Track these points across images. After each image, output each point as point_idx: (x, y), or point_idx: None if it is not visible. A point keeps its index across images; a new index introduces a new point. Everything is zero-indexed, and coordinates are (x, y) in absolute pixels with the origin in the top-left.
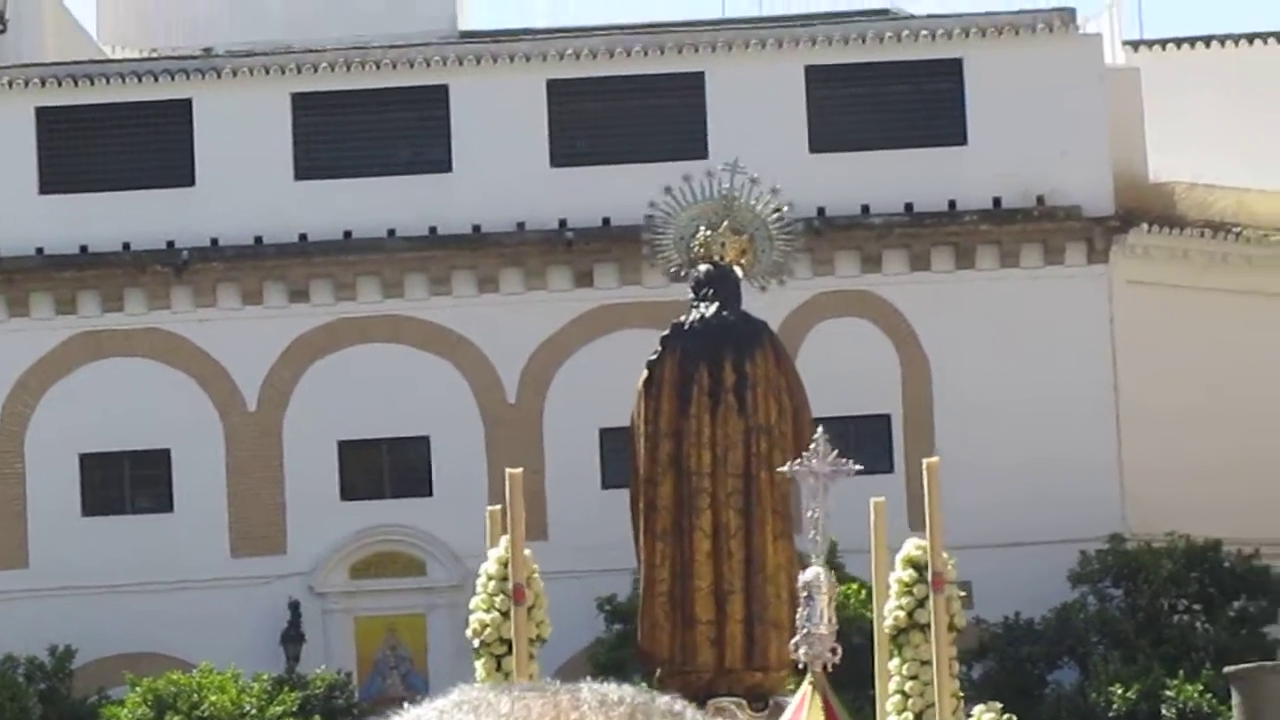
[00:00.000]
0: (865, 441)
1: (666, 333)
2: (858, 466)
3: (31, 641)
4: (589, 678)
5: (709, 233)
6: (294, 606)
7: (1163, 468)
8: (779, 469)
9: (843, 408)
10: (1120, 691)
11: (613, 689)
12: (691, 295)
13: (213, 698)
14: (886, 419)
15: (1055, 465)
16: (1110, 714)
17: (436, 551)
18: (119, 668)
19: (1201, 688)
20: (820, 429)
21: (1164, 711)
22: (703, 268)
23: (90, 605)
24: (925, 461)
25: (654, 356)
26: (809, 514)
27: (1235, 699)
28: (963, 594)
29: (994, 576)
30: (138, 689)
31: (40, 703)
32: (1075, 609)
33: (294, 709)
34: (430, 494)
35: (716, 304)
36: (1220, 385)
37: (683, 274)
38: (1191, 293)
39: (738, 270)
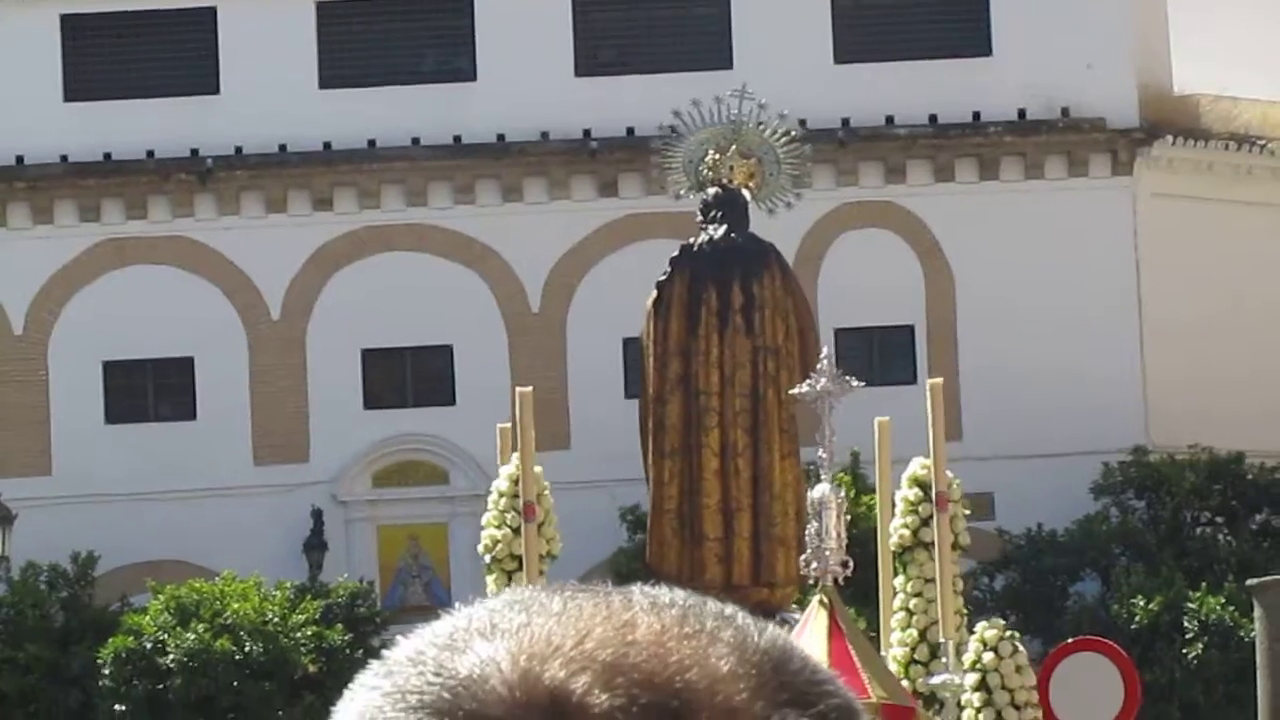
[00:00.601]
0: (889, 352)
1: (675, 254)
2: (860, 383)
3: (54, 549)
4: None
5: (717, 156)
6: (316, 515)
7: (1186, 380)
8: (787, 390)
9: (866, 319)
10: (1142, 603)
11: (664, 592)
12: (699, 217)
13: (235, 605)
14: (910, 330)
15: (1078, 377)
16: (1132, 626)
17: (459, 460)
18: (141, 575)
19: (1224, 600)
20: (826, 349)
21: (1186, 623)
22: (711, 190)
23: (113, 513)
24: (928, 382)
25: (663, 277)
26: (822, 432)
27: (1257, 611)
28: (967, 512)
29: (1016, 488)
30: (160, 596)
31: (63, 610)
32: (1098, 521)
33: (316, 617)
34: (453, 403)
35: (724, 226)
36: (1244, 298)
37: (691, 195)
38: (1216, 205)
39: (745, 193)
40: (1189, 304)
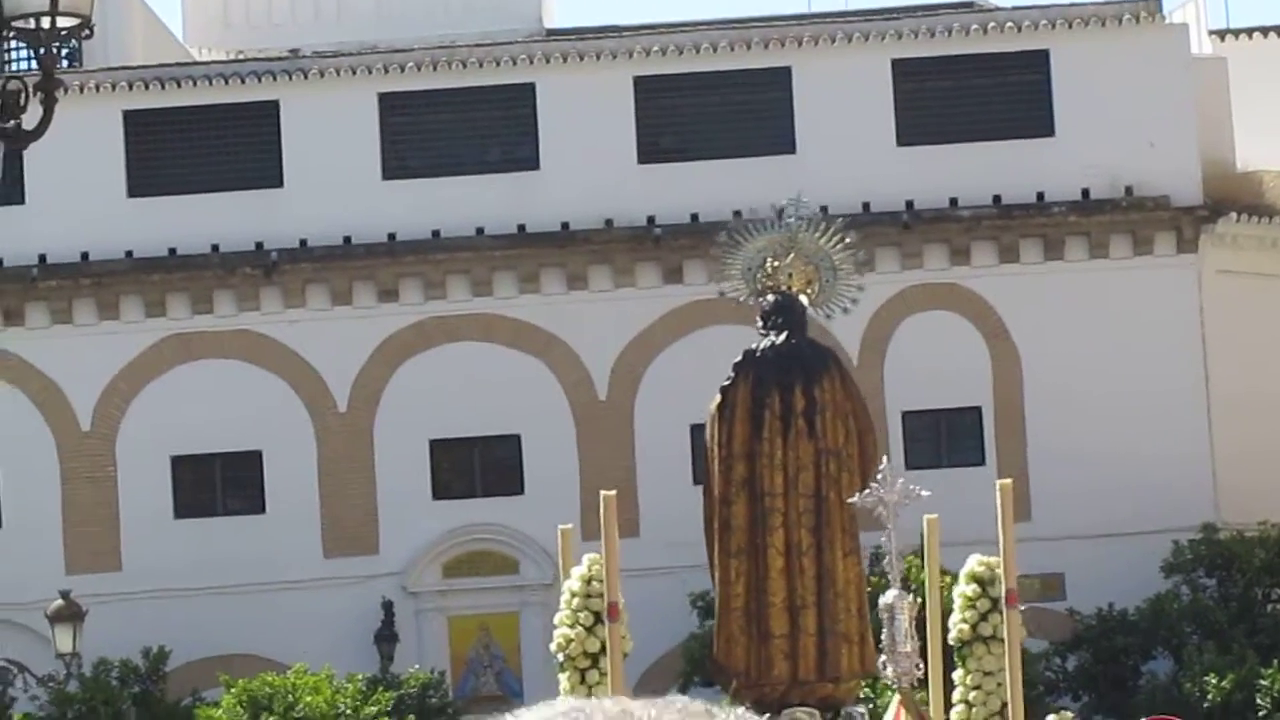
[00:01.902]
0: (957, 434)
1: (738, 359)
2: (926, 492)
3: (125, 644)
4: (681, 676)
5: (775, 264)
6: (387, 606)
7: (1254, 456)
8: (848, 491)
9: (934, 401)
10: (1215, 681)
11: (698, 705)
12: (760, 323)
13: (307, 698)
14: (978, 411)
15: (1147, 455)
16: (1205, 704)
17: (528, 549)
18: (213, 669)
19: None
20: (886, 458)
21: (1259, 701)
22: (770, 297)
23: (183, 607)
24: (998, 484)
25: (727, 382)
26: (885, 539)
27: None
28: (1023, 609)
29: (1087, 567)
30: (232, 690)
31: (135, 705)
32: (1169, 599)
33: (388, 709)
34: (522, 492)
35: (785, 332)
36: None
37: (750, 301)
38: None
39: (803, 299)
40: (1256, 380)
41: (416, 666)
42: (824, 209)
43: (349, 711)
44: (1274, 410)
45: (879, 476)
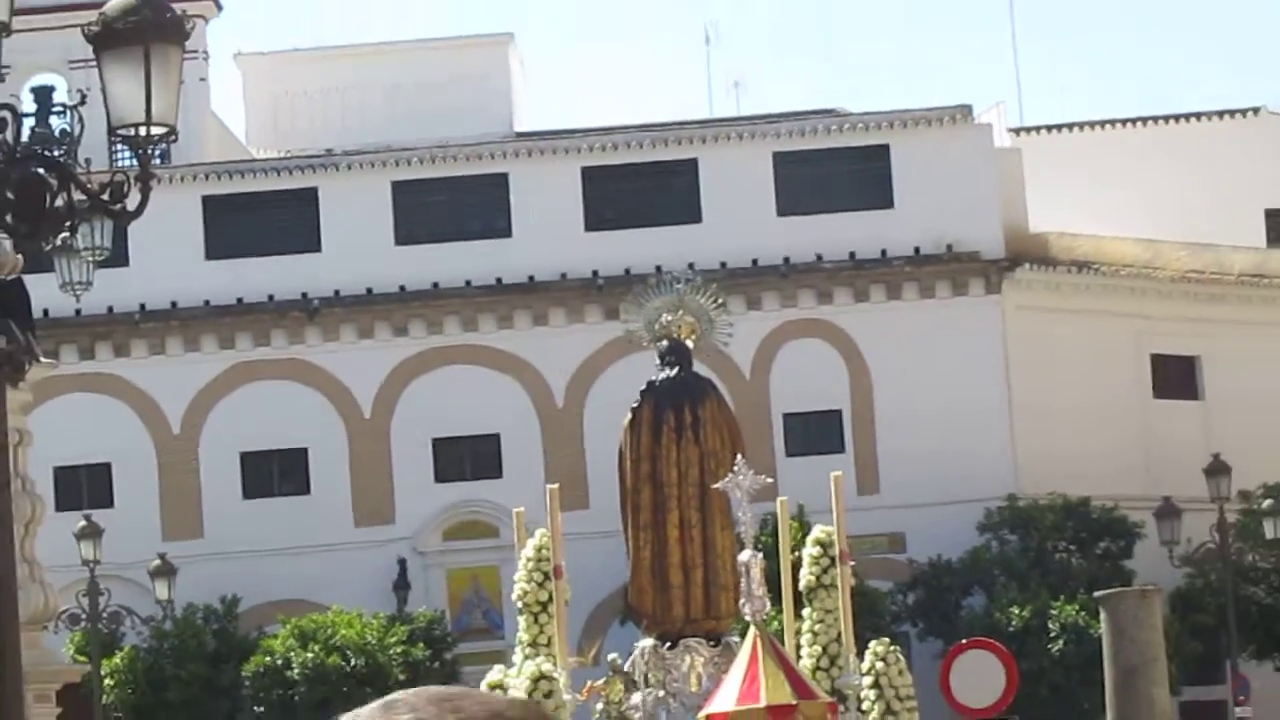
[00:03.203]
0: (824, 430)
1: (644, 388)
2: (769, 479)
3: (206, 593)
4: (619, 614)
5: (669, 318)
6: (401, 563)
7: (1044, 444)
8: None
9: (806, 405)
10: (1017, 612)
11: (502, 700)
12: (659, 362)
13: (343, 631)
14: (839, 413)
15: (965, 444)
16: (1010, 629)
17: (506, 519)
18: (272, 611)
19: (1077, 608)
20: (741, 456)
21: (1050, 626)
22: (665, 342)
23: (250, 564)
24: (832, 475)
25: (636, 404)
26: (739, 514)
27: (1102, 616)
28: (852, 564)
29: (921, 528)
30: (286, 626)
31: (214, 638)
32: (982, 551)
33: (404, 638)
34: (501, 476)
35: (677, 368)
36: (1088, 383)
37: (650, 345)
38: (1064, 314)
39: (689, 344)
40: (1046, 389)
41: (424, 607)
42: (723, 264)
43: (374, 641)
44: (1059, 411)
45: (734, 470)
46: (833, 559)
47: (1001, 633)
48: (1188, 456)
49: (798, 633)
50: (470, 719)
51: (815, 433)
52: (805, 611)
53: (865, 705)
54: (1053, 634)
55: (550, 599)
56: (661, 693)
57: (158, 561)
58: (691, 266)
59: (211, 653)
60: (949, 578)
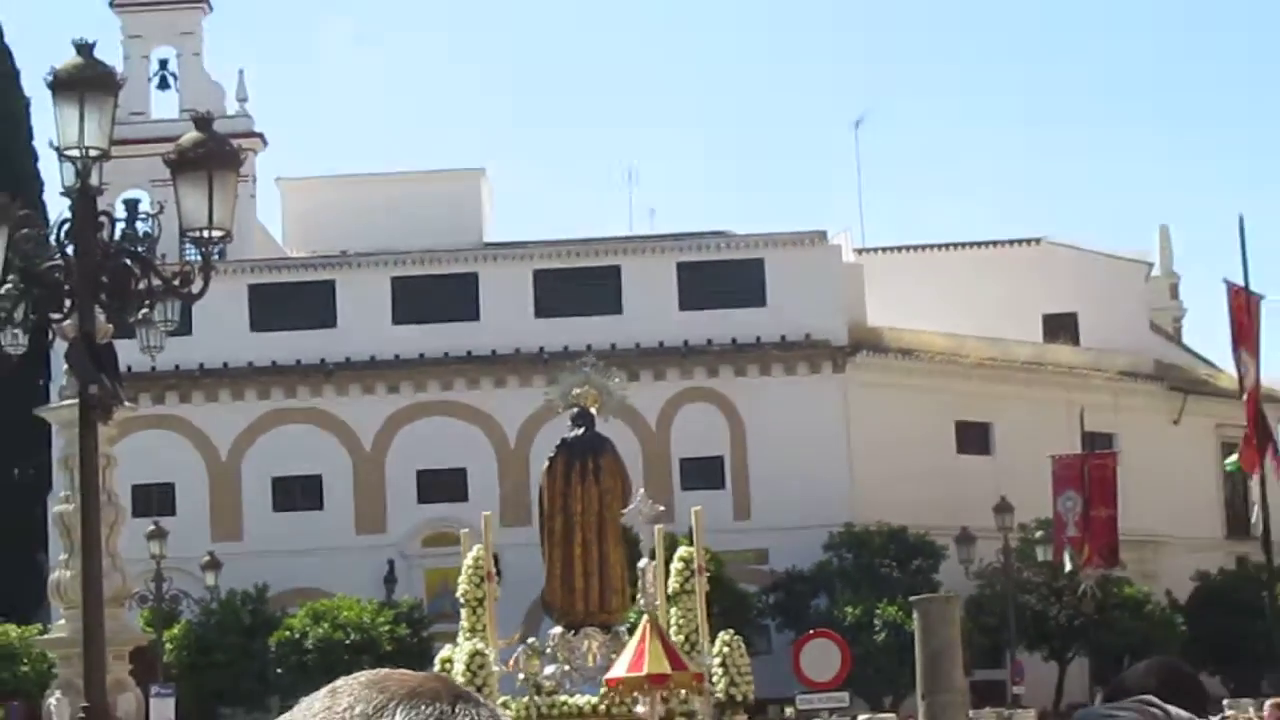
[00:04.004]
0: (709, 471)
1: (559, 443)
2: (661, 508)
3: (244, 582)
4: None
5: (578, 391)
6: (390, 563)
7: (874, 485)
8: (616, 513)
9: (697, 452)
10: (851, 610)
11: (418, 675)
12: (570, 423)
13: (345, 613)
14: (721, 458)
15: (816, 484)
16: (845, 623)
17: (470, 531)
18: (293, 597)
19: (896, 609)
20: (641, 491)
21: (875, 622)
22: (575, 409)
23: (277, 561)
24: (693, 510)
25: (552, 454)
26: (644, 537)
27: (915, 615)
28: (709, 569)
29: (782, 546)
30: (304, 608)
31: (248, 616)
32: (827, 564)
33: (391, 620)
34: (467, 500)
35: (584, 428)
36: (907, 440)
37: (563, 411)
38: (892, 388)
39: (593, 410)
40: (876, 444)
41: (407, 596)
42: (637, 344)
43: (368, 622)
44: (885, 461)
45: (632, 504)
46: (693, 571)
47: (839, 626)
48: (981, 497)
49: (667, 624)
50: (393, 695)
51: (703, 473)
52: (672, 610)
53: (714, 679)
54: (877, 628)
55: (484, 596)
56: (567, 667)
57: (207, 557)
58: (613, 347)
59: (246, 627)
60: (801, 584)
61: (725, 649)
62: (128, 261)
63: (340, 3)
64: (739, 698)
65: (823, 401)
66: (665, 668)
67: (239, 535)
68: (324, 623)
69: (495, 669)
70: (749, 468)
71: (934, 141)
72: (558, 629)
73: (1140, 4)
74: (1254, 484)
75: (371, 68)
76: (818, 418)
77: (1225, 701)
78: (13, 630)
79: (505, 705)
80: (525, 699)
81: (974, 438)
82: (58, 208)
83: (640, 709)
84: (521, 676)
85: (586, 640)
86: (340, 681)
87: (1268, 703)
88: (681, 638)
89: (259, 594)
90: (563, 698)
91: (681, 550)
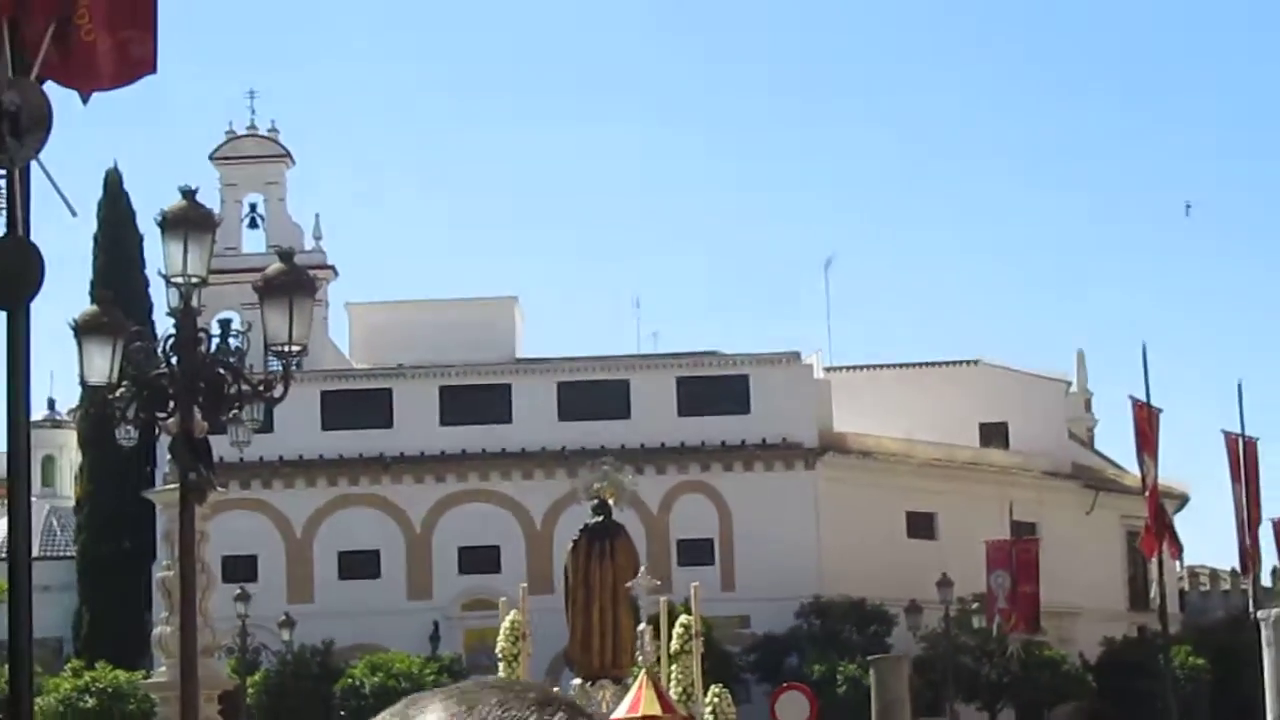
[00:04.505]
0: (701, 551)
1: (582, 527)
2: (657, 581)
3: (313, 638)
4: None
5: (598, 486)
6: (436, 623)
7: (839, 564)
8: (625, 586)
9: (691, 533)
10: (818, 668)
11: (522, 687)
12: (591, 511)
13: (398, 665)
14: (711, 540)
15: (790, 563)
16: (813, 678)
17: (505, 598)
18: (356, 651)
19: (855, 666)
20: (644, 568)
21: (838, 677)
22: (595, 501)
23: (341, 621)
24: (692, 585)
25: (575, 538)
26: (643, 605)
27: (871, 672)
28: (703, 634)
29: (761, 613)
30: (363, 661)
31: (317, 667)
32: (798, 629)
33: (435, 671)
34: (500, 571)
35: (602, 517)
36: (866, 526)
37: (586, 502)
38: (853, 484)
39: (610, 501)
40: (841, 529)
41: (449, 651)
42: (642, 445)
43: (417, 672)
44: (848, 544)
45: (639, 578)
46: (690, 635)
47: (808, 680)
48: (927, 575)
49: (668, 678)
50: (530, 704)
51: (696, 552)
52: (673, 666)
53: None
54: (840, 683)
55: (519, 652)
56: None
57: (283, 617)
58: (623, 447)
59: (315, 675)
60: (776, 645)
61: (715, 699)
62: (221, 370)
63: (400, 158)
64: None
65: (796, 494)
66: (657, 709)
67: (310, 598)
68: (380, 673)
69: None
70: (734, 547)
71: (892, 278)
72: (577, 680)
73: (1051, 176)
74: (1153, 565)
75: (427, 211)
76: (792, 507)
77: None
78: (123, 675)
79: None
80: None
81: (921, 525)
82: (164, 325)
83: None
84: None
85: (601, 690)
86: (417, 694)
87: None
88: (680, 689)
89: (326, 648)
90: None
91: (682, 618)
